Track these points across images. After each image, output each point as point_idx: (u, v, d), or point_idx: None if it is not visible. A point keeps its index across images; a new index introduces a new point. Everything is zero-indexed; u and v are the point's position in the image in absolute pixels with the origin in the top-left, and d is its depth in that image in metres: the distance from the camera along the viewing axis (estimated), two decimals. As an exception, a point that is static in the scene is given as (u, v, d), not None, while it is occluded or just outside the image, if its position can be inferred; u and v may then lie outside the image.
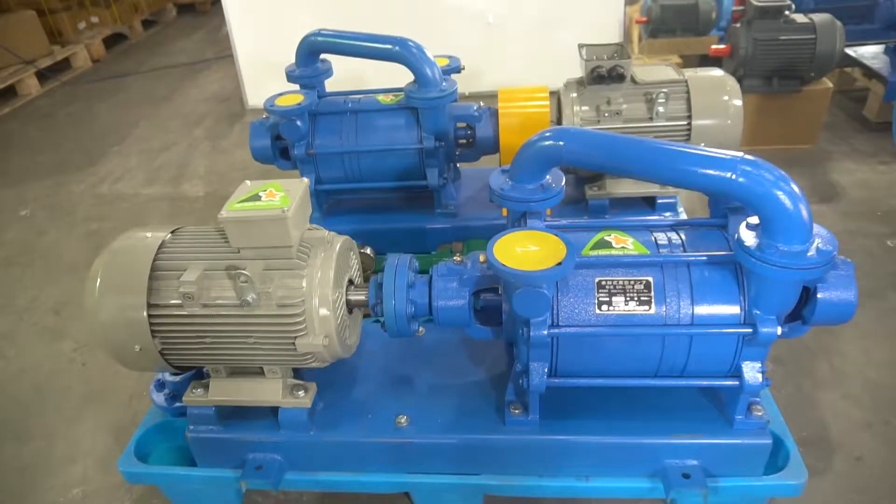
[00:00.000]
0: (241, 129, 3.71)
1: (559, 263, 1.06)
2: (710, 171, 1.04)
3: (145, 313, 1.24)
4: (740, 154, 1.05)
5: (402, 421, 1.34)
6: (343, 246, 1.33)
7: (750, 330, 1.13)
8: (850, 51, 3.14)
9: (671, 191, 1.94)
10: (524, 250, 1.11)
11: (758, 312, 1.12)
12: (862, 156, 2.80)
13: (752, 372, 1.18)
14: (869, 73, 3.12)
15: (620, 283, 1.16)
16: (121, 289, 1.25)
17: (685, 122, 1.83)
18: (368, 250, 1.78)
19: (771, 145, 2.90)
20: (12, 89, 4.45)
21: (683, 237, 1.23)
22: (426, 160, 1.93)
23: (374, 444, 1.34)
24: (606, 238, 1.24)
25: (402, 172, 1.98)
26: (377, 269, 1.90)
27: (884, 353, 1.80)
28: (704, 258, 1.16)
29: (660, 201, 1.95)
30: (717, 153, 1.05)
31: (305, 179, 1.30)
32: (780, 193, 1.01)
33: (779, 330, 1.11)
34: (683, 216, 2.04)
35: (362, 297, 1.34)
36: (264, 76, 3.90)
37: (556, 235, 1.13)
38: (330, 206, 2.14)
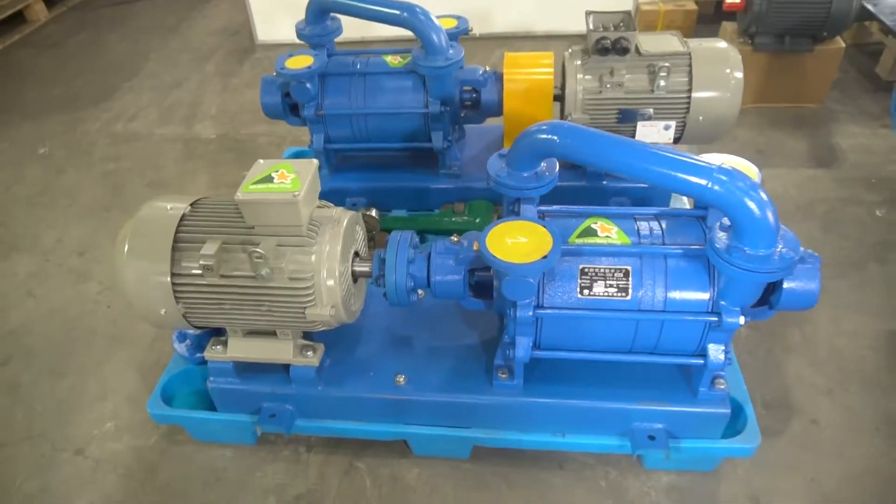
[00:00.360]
0: (251, 67, 3.72)
1: (545, 257, 1.17)
2: (689, 178, 1.12)
3: (169, 280, 1.37)
4: (718, 163, 1.12)
5: (401, 380, 1.49)
6: (349, 222, 1.43)
7: (716, 318, 1.24)
8: (868, 4, 3.07)
9: (667, 160, 2.00)
10: (514, 241, 1.21)
11: (724, 303, 1.23)
12: (867, 118, 2.81)
13: (716, 352, 1.30)
14: (885, 29, 3.06)
15: (602, 270, 1.27)
16: (147, 258, 1.37)
17: (685, 95, 1.87)
18: (373, 212, 1.89)
19: (778, 103, 2.90)
20: (20, 15, 4.42)
21: (664, 226, 1.32)
22: (431, 124, 2.00)
23: (374, 399, 1.50)
24: (593, 226, 1.33)
25: (408, 134, 2.05)
26: (383, 228, 2.02)
27: (853, 323, 1.92)
28: (680, 250, 1.26)
29: (656, 170, 2.02)
30: (697, 162, 1.13)
31: (315, 161, 1.39)
32: (750, 203, 1.09)
33: (742, 319, 1.23)
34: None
35: (366, 269, 1.46)
36: (274, 11, 3.86)
37: (545, 227, 1.23)
38: (338, 161, 2.22)
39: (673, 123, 1.90)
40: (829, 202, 2.36)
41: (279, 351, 1.48)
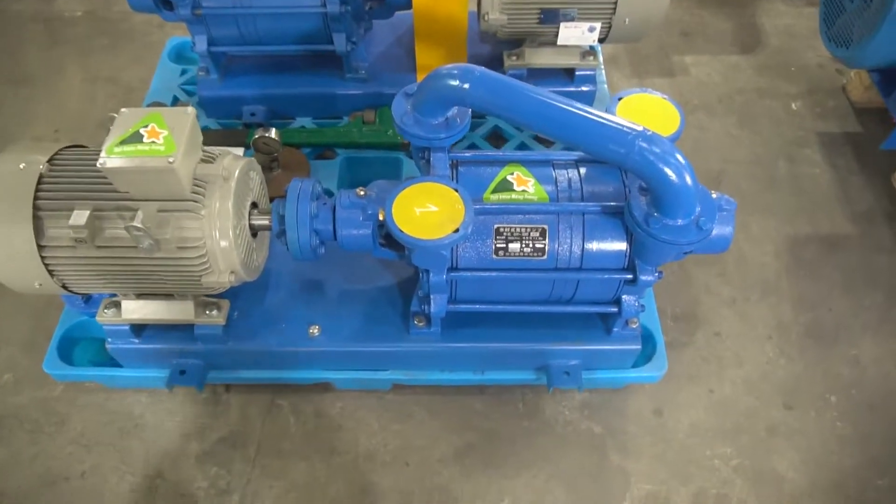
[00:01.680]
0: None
1: (456, 230, 1.08)
2: (609, 145, 1.03)
3: (38, 254, 1.20)
4: (639, 128, 1.03)
5: (314, 331, 1.44)
6: (241, 172, 1.27)
7: (631, 276, 1.23)
8: None
9: (591, 62, 1.87)
10: (423, 210, 1.11)
11: (639, 262, 1.21)
12: (796, -9, 2.70)
13: (630, 302, 1.31)
14: None
15: (517, 230, 1.20)
16: (5, 230, 1.18)
17: (611, -9, 1.69)
18: (273, 132, 1.71)
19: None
20: None
21: (583, 174, 1.25)
22: (332, 24, 1.75)
23: (289, 352, 1.45)
24: (509, 178, 1.24)
25: (306, 36, 1.80)
26: (286, 143, 1.84)
27: (759, 227, 1.98)
28: (598, 207, 1.20)
29: (578, 73, 1.89)
30: (619, 125, 1.03)
31: (191, 109, 1.19)
32: (670, 174, 1.02)
33: (655, 276, 1.22)
34: (604, 86, 2.01)
35: (266, 223, 1.33)
36: None
37: (456, 192, 1.13)
38: (230, 62, 1.94)
39: (598, 25, 1.74)
40: (748, 93, 2.32)
41: (179, 311, 1.38)
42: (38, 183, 1.20)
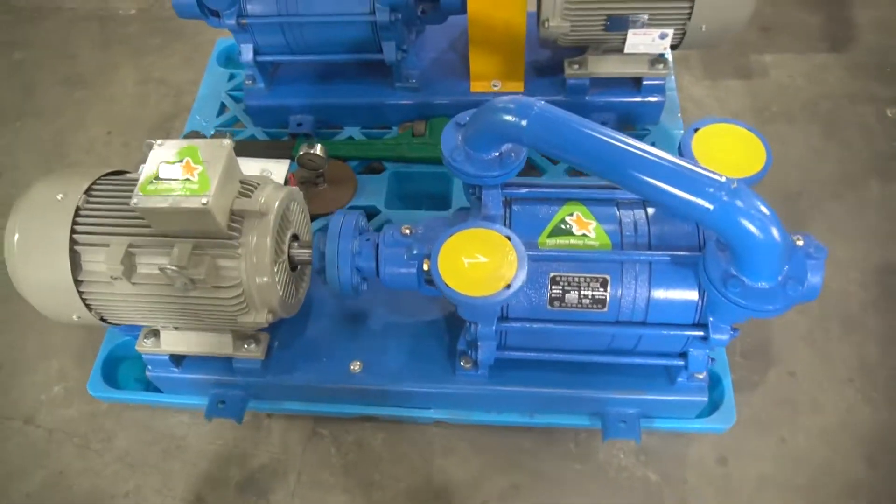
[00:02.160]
0: None
1: (507, 286, 0.98)
2: (687, 196, 0.90)
3: (75, 289, 1.17)
4: (721, 178, 0.89)
5: (356, 368, 1.37)
6: (281, 205, 1.20)
7: (701, 333, 1.10)
8: None
9: (661, 71, 1.71)
10: (472, 262, 1.01)
11: (713, 319, 1.08)
12: (894, -22, 2.42)
13: (699, 357, 1.18)
14: None
15: (576, 279, 1.09)
16: (43, 263, 1.16)
17: (688, -1, 1.53)
18: (318, 148, 1.63)
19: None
20: None
21: (650, 215, 1.12)
22: (381, 33, 1.65)
23: (329, 387, 1.39)
24: (568, 220, 1.12)
25: (354, 44, 1.70)
26: (332, 156, 1.77)
27: (846, 252, 1.79)
28: (667, 258, 1.07)
29: (646, 83, 1.74)
30: (700, 173, 0.90)
31: (227, 142, 1.12)
32: (757, 233, 0.89)
33: (731, 334, 1.09)
34: (673, 94, 1.85)
35: (306, 257, 1.26)
36: None
37: (509, 240, 1.02)
38: (276, 71, 1.88)
39: (670, 32, 1.58)
40: (836, 99, 2.10)
41: (217, 345, 1.33)
42: (76, 215, 1.16)
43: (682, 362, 1.20)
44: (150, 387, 1.52)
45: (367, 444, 1.58)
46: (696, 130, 1.13)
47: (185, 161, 1.08)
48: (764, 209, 0.89)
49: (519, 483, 1.51)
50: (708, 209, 0.88)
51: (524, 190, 1.17)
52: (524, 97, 1.02)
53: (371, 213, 1.72)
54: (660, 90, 1.75)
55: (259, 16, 1.63)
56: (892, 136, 1.99)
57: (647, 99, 1.75)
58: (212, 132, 1.90)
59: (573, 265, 1.09)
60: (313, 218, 1.71)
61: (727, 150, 1.11)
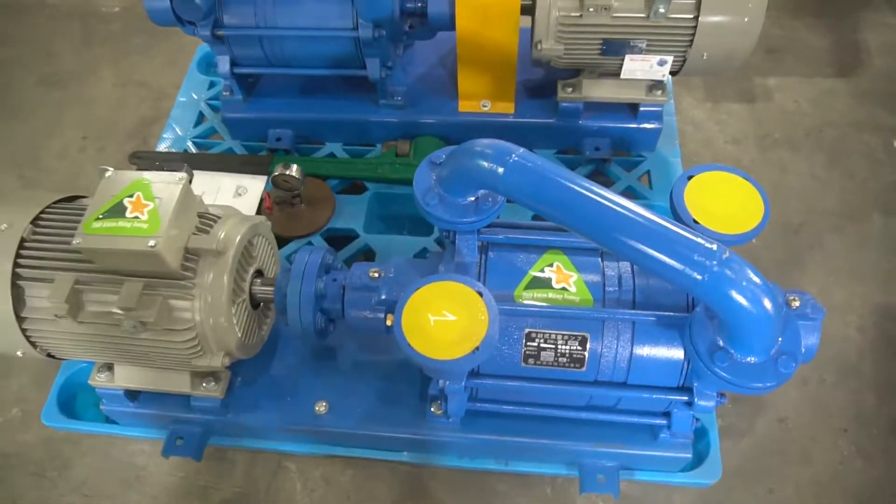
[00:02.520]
0: None
1: (476, 349, 0.90)
2: (675, 265, 0.82)
3: (17, 325, 1.09)
4: (715, 245, 0.81)
5: (322, 409, 1.30)
6: (242, 240, 1.12)
7: (685, 398, 1.02)
8: None
9: (659, 98, 1.62)
10: (439, 319, 0.93)
11: (698, 385, 1.00)
12: (907, 0, 2.33)
13: (683, 418, 1.10)
14: None
15: (552, 336, 1.01)
16: (-18, 296, 1.08)
17: (690, 24, 1.44)
18: (294, 169, 1.55)
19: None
20: None
21: (636, 268, 1.04)
22: (364, 49, 1.56)
23: (293, 429, 1.32)
24: (547, 271, 1.04)
25: (336, 59, 1.61)
26: (310, 174, 1.68)
27: (844, 293, 1.71)
28: (653, 318, 0.99)
29: (643, 109, 1.65)
30: (691, 238, 0.82)
31: (183, 175, 1.03)
32: (751, 309, 0.81)
33: (717, 401, 1.01)
34: (672, 120, 1.76)
35: (270, 296, 1.18)
36: None
37: (480, 296, 0.94)
38: (255, 82, 1.79)
39: (670, 59, 1.49)
40: (842, 127, 2.01)
41: (174, 382, 1.25)
42: (20, 247, 1.08)
43: (664, 422, 1.13)
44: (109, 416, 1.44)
45: (335, 480, 1.51)
46: (689, 178, 1.05)
47: (135, 196, 1.00)
48: (757, 280, 0.81)
49: (492, 530, 1.44)
50: (697, 280, 0.80)
51: (501, 235, 1.09)
52: (502, 143, 0.94)
53: (349, 237, 1.64)
54: (657, 117, 1.66)
55: (236, 27, 1.54)
56: (898, 170, 1.91)
57: (643, 126, 1.67)
58: (186, 144, 1.82)
59: (551, 321, 1.01)
60: (289, 240, 1.63)
61: (722, 201, 1.02)
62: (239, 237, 1.11)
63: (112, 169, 1.08)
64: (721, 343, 0.87)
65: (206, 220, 1.10)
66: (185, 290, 1.05)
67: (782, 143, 1.99)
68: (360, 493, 1.49)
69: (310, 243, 1.62)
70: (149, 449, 1.56)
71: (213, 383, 1.26)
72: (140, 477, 1.54)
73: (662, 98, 1.62)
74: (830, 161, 1.94)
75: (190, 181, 1.07)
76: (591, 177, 1.72)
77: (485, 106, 1.71)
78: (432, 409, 1.25)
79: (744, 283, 0.80)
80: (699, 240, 0.82)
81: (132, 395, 1.32)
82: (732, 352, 0.87)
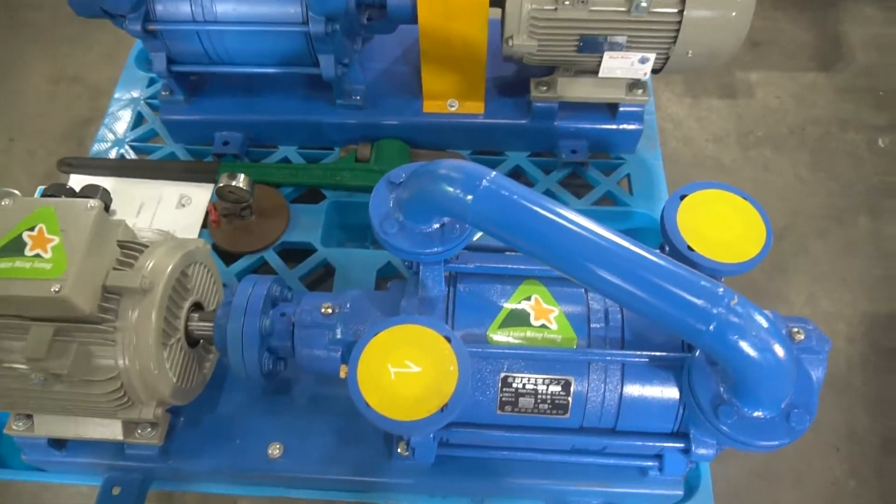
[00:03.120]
0: None
1: (444, 408, 0.77)
2: (676, 313, 0.70)
3: None
4: (721, 288, 0.70)
5: (275, 452, 1.16)
6: (174, 273, 0.97)
7: (681, 445, 0.92)
8: None
9: (639, 97, 1.50)
10: (401, 371, 0.80)
11: (695, 433, 0.89)
12: (889, -8, 2.24)
13: (676, 461, 0.99)
14: None
15: (532, 380, 0.89)
16: None
17: (674, 19, 1.31)
18: (241, 179, 1.40)
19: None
20: None
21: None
22: (316, 45, 1.40)
23: (244, 475, 1.18)
24: (524, 305, 0.92)
25: (286, 56, 1.45)
26: (261, 181, 1.53)
27: (831, 301, 1.63)
28: (645, 358, 0.87)
29: (623, 109, 1.53)
30: (694, 283, 0.70)
31: (95, 203, 0.88)
32: (764, 363, 0.70)
33: (716, 449, 0.91)
34: (652, 120, 1.64)
35: (210, 333, 1.03)
36: None
37: (448, 340, 0.81)
38: (197, 81, 1.61)
39: (652, 56, 1.37)
40: (826, 124, 1.93)
41: (104, 431, 1.10)
42: None
43: (655, 464, 1.02)
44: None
45: (297, 520, 1.38)
46: (682, 198, 0.93)
47: (37, 230, 0.84)
48: (769, 328, 0.70)
49: (467, 571, 1.32)
50: (700, 330, 0.69)
51: (472, 264, 0.96)
52: (471, 165, 0.80)
53: (305, 251, 1.49)
54: (638, 117, 1.54)
55: (170, 21, 1.37)
56: (883, 170, 1.83)
57: (623, 127, 1.55)
58: (123, 148, 1.64)
59: (529, 364, 0.89)
60: (238, 256, 1.48)
61: (719, 224, 0.91)
62: (169, 269, 0.96)
63: (16, 192, 0.92)
64: (725, 396, 0.76)
65: (130, 250, 0.95)
66: (104, 334, 0.90)
67: (765, 142, 1.89)
68: (323, 533, 1.36)
69: (262, 259, 1.47)
70: (87, 491, 1.40)
71: (149, 429, 1.11)
72: (77, 524, 1.39)
73: (643, 98, 1.50)
74: (814, 161, 1.86)
75: (107, 207, 0.91)
76: (568, 181, 1.62)
77: (452, 106, 1.57)
78: (398, 451, 1.12)
79: (754, 333, 0.69)
80: (703, 283, 0.70)
81: (58, 443, 1.16)
82: (738, 405, 0.75)
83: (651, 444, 0.92)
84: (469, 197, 0.77)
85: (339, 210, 1.57)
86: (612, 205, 1.57)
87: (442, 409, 0.77)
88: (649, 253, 0.72)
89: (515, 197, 0.76)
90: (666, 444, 0.92)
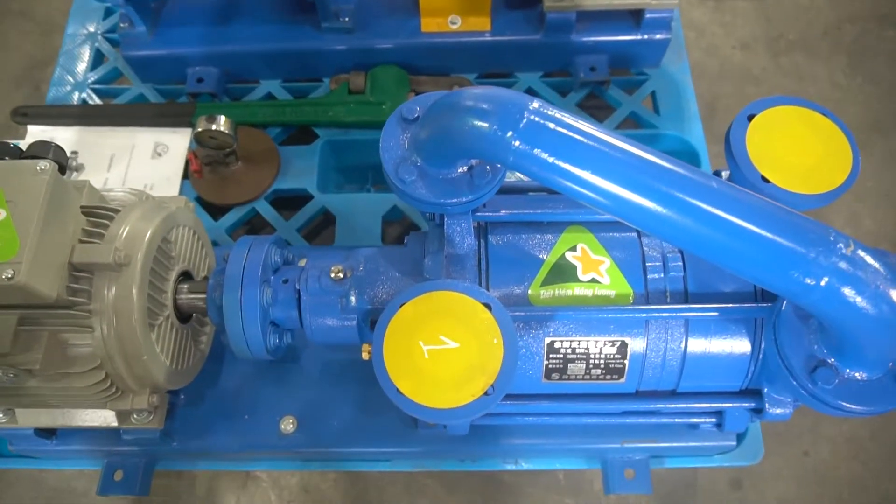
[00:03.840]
0: None
1: (489, 391, 0.65)
2: (775, 265, 0.56)
3: None
4: (832, 233, 0.56)
5: (289, 426, 1.05)
6: (153, 241, 0.82)
7: (751, 405, 0.81)
8: None
9: (667, 1, 1.32)
10: (435, 349, 0.67)
11: (768, 391, 0.78)
12: None
13: (738, 416, 0.89)
14: None
15: (583, 344, 0.77)
16: None
17: None
18: (221, 122, 1.23)
19: None
20: None
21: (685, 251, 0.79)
22: (295, -44, 1.20)
23: (254, 454, 1.08)
24: (570, 257, 0.78)
25: (261, -28, 1.25)
26: (244, 123, 1.36)
27: (875, 221, 1.50)
28: (714, 313, 0.75)
29: (649, 16, 1.34)
30: (801, 223, 0.56)
31: (47, 164, 0.72)
32: (882, 319, 0.57)
33: (792, 407, 0.80)
34: (679, 30, 1.46)
35: (201, 304, 0.90)
36: None
37: (488, 308, 0.68)
38: (158, 8, 1.40)
39: (687, -50, 1.18)
40: (863, 23, 1.74)
41: (97, 419, 0.99)
42: None
43: (713, 420, 0.92)
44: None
45: (315, 487, 1.30)
46: (750, 118, 0.78)
47: (-21, 202, 0.69)
48: (890, 277, 0.57)
49: (500, 527, 1.26)
50: (809, 286, 0.56)
51: (504, 211, 0.81)
52: (506, 92, 0.64)
53: (301, 199, 1.34)
54: (665, 25, 1.36)
55: (118, -66, 1.15)
56: (930, 70, 1.67)
57: (648, 37, 1.37)
58: (85, 92, 1.45)
59: (580, 326, 0.76)
60: (226, 209, 1.33)
61: (795, 148, 0.77)
62: (148, 236, 0.81)
63: (-51, 158, 0.76)
64: (822, 356, 0.64)
65: (98, 218, 0.80)
66: (78, 319, 0.77)
67: (797, 46, 1.71)
68: (347, 498, 1.28)
69: (253, 211, 1.32)
70: (89, 471, 1.31)
71: (146, 414, 0.99)
72: (81, 505, 1.30)
73: (672, 1, 1.32)
74: (852, 64, 1.68)
75: (63, 168, 0.75)
76: (585, 103, 1.45)
77: (454, 23, 1.37)
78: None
79: (873, 287, 0.56)
80: (812, 227, 0.57)
81: (47, 432, 1.05)
82: (839, 367, 0.64)
83: (716, 405, 0.82)
84: (509, 134, 0.62)
85: (334, 150, 1.40)
86: (636, 128, 1.42)
87: (487, 392, 0.65)
88: (748, 191, 0.58)
89: (570, 131, 0.60)
90: (734, 405, 0.81)
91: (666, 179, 0.57)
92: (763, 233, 0.56)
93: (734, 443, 1.05)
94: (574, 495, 1.28)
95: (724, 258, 0.58)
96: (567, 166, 0.60)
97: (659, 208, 0.56)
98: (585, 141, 0.60)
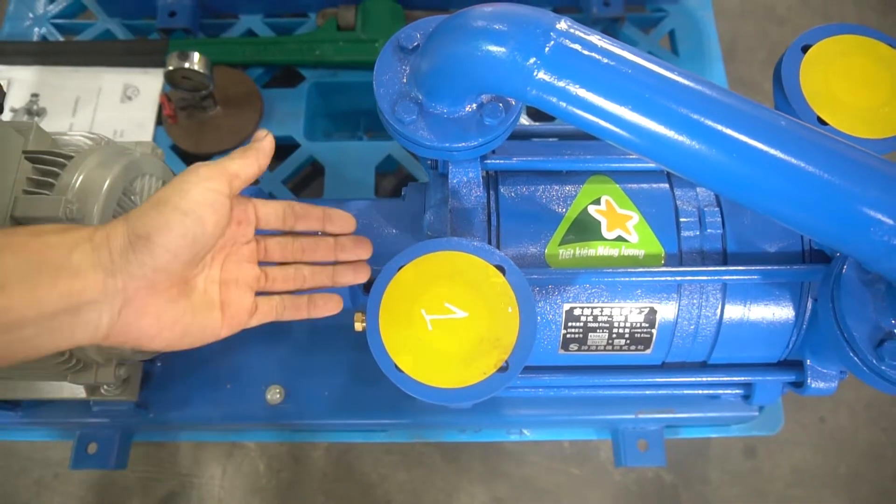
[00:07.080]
0: None
1: (503, 368, 0.56)
2: (851, 220, 0.47)
3: None
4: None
5: (276, 397, 0.97)
6: (112, 190, 0.71)
7: (792, 378, 0.73)
8: None
9: (693, -74, 1.18)
10: (439, 318, 0.58)
11: (812, 362, 0.70)
12: None
13: (769, 388, 0.81)
14: None
15: (606, 311, 0.68)
16: None
17: None
18: (196, 59, 1.11)
19: None
20: None
21: (721, 201, 0.69)
22: None
23: (238, 426, 1.00)
24: (593, 211, 0.68)
25: None
26: (223, 62, 1.23)
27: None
28: (755, 275, 0.66)
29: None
30: (881, 168, 0.46)
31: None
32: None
33: (838, 379, 0.72)
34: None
35: (174, 265, 0.79)
36: None
37: (501, 271, 0.58)
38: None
39: None
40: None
41: (61, 389, 0.89)
42: None
43: (740, 391, 0.84)
44: None
45: (306, 457, 1.23)
46: (804, 49, 0.67)
47: None
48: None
49: (503, 496, 1.20)
50: (886, 243, 0.46)
51: (516, 158, 0.71)
52: (526, 9, 0.53)
53: (287, 148, 1.22)
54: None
55: None
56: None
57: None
58: (45, 27, 1.31)
59: (603, 291, 0.67)
60: (206, 157, 1.21)
61: (856, 85, 0.66)
62: (106, 186, 0.70)
63: None
64: (893, 327, 0.55)
65: (46, 164, 0.69)
66: (27, 283, 0.66)
67: (827, -15, 1.58)
68: (339, 468, 1.22)
69: (234, 161, 1.20)
70: (64, 442, 1.24)
71: (115, 386, 0.90)
72: (59, 475, 1.23)
73: (700, -72, 1.18)
74: (885, 1, 1.55)
75: (0, 107, 0.64)
76: (598, 43, 1.33)
77: (454, -50, 1.24)
78: (424, 388, 0.93)
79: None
80: (891, 173, 0.47)
81: (10, 403, 0.96)
82: (912, 340, 0.55)
83: (752, 377, 0.73)
84: (531, 61, 0.51)
85: (322, 93, 1.28)
86: (654, 70, 1.30)
87: (502, 369, 0.56)
88: (826, 133, 0.48)
89: (608, 58, 0.49)
90: (772, 378, 0.73)
91: (732, 121, 0.47)
92: (843, 183, 0.46)
93: (756, 413, 0.97)
94: (579, 464, 1.22)
95: (796, 215, 0.48)
96: (604, 103, 0.49)
97: (723, 157, 0.46)
98: (628, 71, 0.49)
